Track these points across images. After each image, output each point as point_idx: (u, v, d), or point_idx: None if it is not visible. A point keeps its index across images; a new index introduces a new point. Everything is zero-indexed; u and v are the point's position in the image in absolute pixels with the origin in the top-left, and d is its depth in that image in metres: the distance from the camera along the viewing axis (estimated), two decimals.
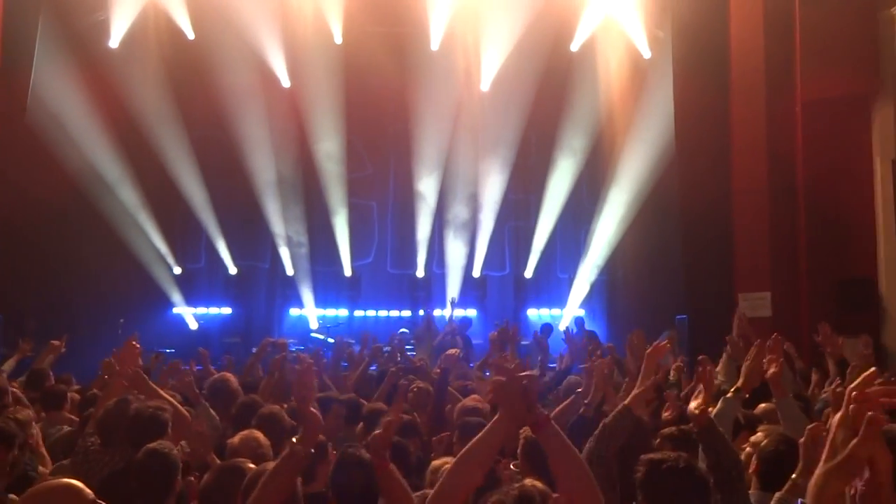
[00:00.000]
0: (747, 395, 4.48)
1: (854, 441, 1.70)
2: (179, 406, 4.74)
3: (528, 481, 3.32)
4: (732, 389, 4.31)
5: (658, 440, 4.07)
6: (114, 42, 14.18)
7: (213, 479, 3.36)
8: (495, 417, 2.58)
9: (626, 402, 3.68)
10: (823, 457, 1.77)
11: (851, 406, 1.75)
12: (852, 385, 1.79)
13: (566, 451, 2.59)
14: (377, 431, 3.34)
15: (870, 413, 1.71)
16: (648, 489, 2.78)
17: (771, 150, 12.10)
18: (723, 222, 12.45)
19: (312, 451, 2.91)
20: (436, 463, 3.77)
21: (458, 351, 8.04)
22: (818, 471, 1.77)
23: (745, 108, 12.28)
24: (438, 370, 6.73)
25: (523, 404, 2.50)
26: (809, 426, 3.25)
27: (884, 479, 1.70)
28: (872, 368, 1.83)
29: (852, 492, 1.76)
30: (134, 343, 4.92)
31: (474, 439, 2.56)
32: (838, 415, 1.78)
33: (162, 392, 4.86)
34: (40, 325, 13.39)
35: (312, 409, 2.86)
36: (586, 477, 2.58)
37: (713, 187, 12.53)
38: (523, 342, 12.78)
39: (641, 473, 2.84)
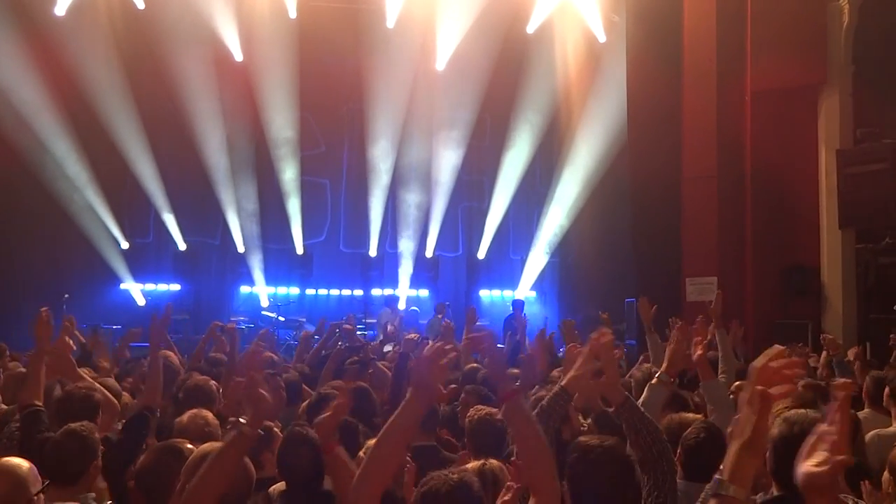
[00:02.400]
0: (673, 380, 4.42)
1: (754, 417, 1.77)
2: (107, 392, 4.69)
3: (470, 466, 3.34)
4: (657, 375, 4.20)
5: (588, 424, 4.04)
6: (60, 10, 13.74)
7: (151, 459, 3.32)
8: (407, 398, 2.56)
9: (562, 383, 3.55)
10: (735, 433, 1.81)
11: (754, 383, 1.80)
12: (755, 362, 1.84)
13: (529, 428, 2.63)
14: (325, 414, 3.31)
15: (759, 388, 1.78)
16: (571, 473, 2.76)
17: (721, 137, 12.28)
18: (672, 208, 12.62)
19: (260, 432, 2.89)
20: (369, 442, 3.76)
21: (417, 335, 8.10)
22: (730, 448, 1.81)
23: (696, 96, 12.43)
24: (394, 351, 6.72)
25: (433, 380, 2.51)
26: (735, 416, 3.25)
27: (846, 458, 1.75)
28: (778, 347, 1.88)
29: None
30: (46, 317, 4.77)
31: (390, 419, 2.57)
32: (744, 392, 1.83)
33: (87, 377, 4.83)
34: None
35: (261, 390, 2.81)
36: (546, 456, 2.61)
37: (664, 173, 12.68)
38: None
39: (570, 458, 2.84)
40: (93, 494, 3.49)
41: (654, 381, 4.16)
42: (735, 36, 12.24)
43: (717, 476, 1.82)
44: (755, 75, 12.16)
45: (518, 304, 14.15)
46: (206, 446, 3.06)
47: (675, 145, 12.64)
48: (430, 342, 2.73)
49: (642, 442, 3.18)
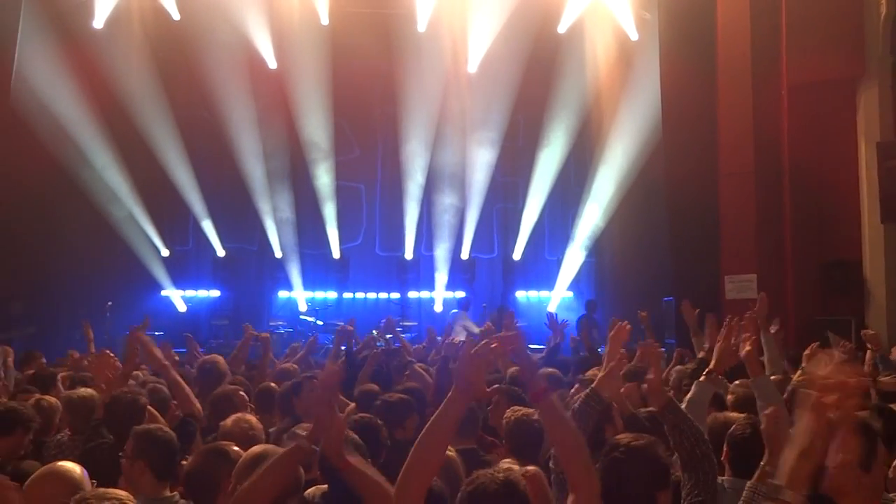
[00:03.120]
0: (721, 376, 4.40)
1: (812, 425, 1.82)
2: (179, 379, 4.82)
3: (517, 467, 3.35)
4: (705, 372, 4.22)
5: (624, 423, 4.04)
6: (98, 22, 14.02)
7: (198, 461, 3.39)
8: (450, 395, 2.59)
9: (593, 385, 3.59)
10: (794, 440, 1.86)
11: (815, 393, 1.85)
12: (815, 369, 1.90)
13: (564, 425, 2.65)
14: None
15: (816, 397, 1.83)
16: (601, 469, 2.79)
17: (757, 133, 12.16)
18: (709, 205, 12.52)
19: (315, 448, 2.94)
20: None
21: (459, 339, 8.20)
22: (787, 453, 1.87)
23: (731, 92, 12.32)
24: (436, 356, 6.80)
25: (479, 378, 2.54)
26: (766, 411, 3.23)
27: (852, 458, 1.79)
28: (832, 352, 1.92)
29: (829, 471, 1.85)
30: (109, 353, 4.95)
31: (432, 417, 2.59)
32: (806, 400, 1.88)
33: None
34: (26, 308, 13.40)
35: (332, 412, 2.83)
36: (582, 452, 2.63)
37: (700, 170, 12.59)
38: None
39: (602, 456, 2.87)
40: (176, 494, 3.58)
41: (701, 378, 4.17)
42: (770, 29, 12.12)
43: (772, 481, 1.86)
44: (791, 69, 12.02)
45: (590, 305, 14.10)
46: (258, 448, 3.13)
47: (710, 142, 12.54)
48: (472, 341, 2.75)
49: (686, 443, 3.19)
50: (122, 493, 2.31)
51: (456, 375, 2.65)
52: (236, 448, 3.39)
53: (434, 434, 2.57)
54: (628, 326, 3.99)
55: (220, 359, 6.23)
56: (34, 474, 3.00)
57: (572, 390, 5.42)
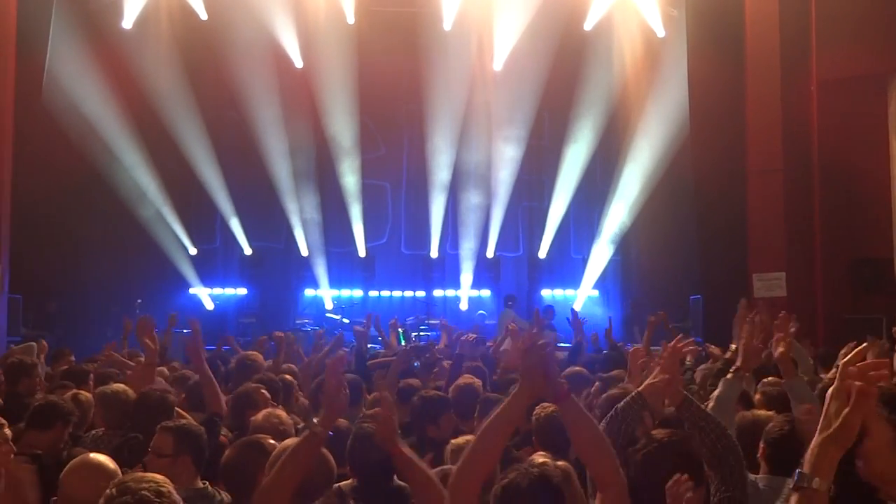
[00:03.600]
0: (747, 374, 4.38)
1: (846, 410, 1.80)
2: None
3: (550, 461, 3.35)
4: (732, 370, 4.18)
5: (657, 423, 4.02)
6: (127, 23, 14.18)
7: (234, 454, 3.44)
8: (514, 390, 2.61)
9: (639, 388, 3.58)
10: (819, 427, 1.86)
11: (844, 379, 1.84)
12: (845, 360, 1.87)
13: (587, 425, 2.65)
14: (378, 422, 3.25)
15: (860, 383, 1.81)
16: (631, 464, 2.79)
17: (786, 129, 12.04)
18: (737, 202, 12.42)
19: (330, 433, 3.00)
20: (457, 441, 3.79)
21: (474, 336, 8.20)
22: (815, 440, 1.86)
23: (760, 88, 12.21)
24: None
25: (543, 375, 2.55)
26: (804, 407, 3.21)
27: (881, 442, 1.78)
28: (864, 344, 1.91)
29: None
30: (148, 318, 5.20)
31: (494, 413, 2.60)
32: (832, 388, 1.87)
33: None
34: (61, 307, 13.60)
35: (342, 396, 2.91)
36: (608, 451, 2.64)
37: (728, 167, 12.50)
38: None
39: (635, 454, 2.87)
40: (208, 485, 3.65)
41: (728, 375, 4.15)
42: (799, 24, 11.99)
43: (798, 469, 1.86)
44: (821, 64, 11.89)
45: (548, 310, 13.72)
46: (289, 441, 3.16)
47: (739, 138, 12.43)
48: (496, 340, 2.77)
49: (707, 439, 3.17)
50: (159, 477, 2.35)
51: (522, 369, 2.66)
52: (272, 441, 3.44)
53: (495, 430, 2.59)
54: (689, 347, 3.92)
55: (259, 356, 6.39)
56: (69, 464, 3.05)
57: (592, 389, 5.42)
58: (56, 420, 4.39)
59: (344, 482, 3.71)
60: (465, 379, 5.47)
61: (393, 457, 3.17)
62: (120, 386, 5.02)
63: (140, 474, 2.43)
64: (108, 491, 2.28)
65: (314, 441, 2.91)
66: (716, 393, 4.04)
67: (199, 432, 3.75)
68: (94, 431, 4.87)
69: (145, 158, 14.66)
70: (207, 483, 3.61)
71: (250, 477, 3.18)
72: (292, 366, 7.19)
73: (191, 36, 14.71)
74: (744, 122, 12.43)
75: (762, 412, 4.12)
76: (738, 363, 4.23)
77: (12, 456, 2.55)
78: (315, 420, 2.93)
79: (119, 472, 3.03)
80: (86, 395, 5.26)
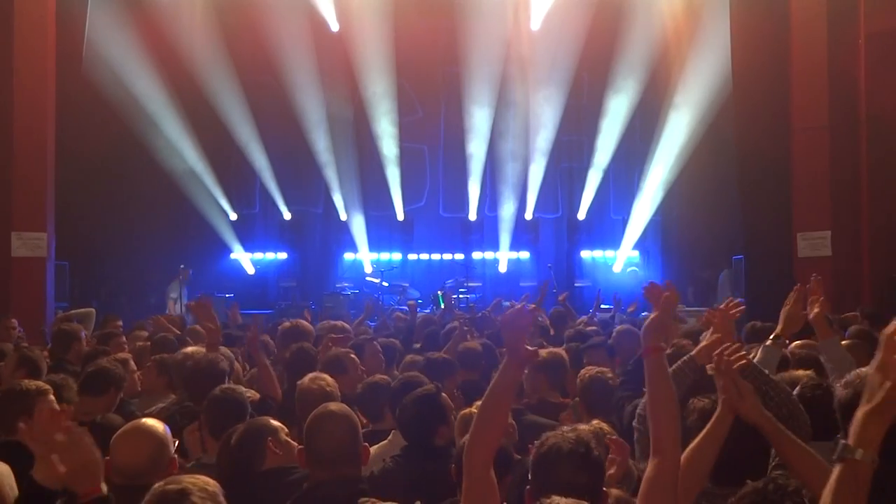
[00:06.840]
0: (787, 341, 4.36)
1: (888, 383, 1.81)
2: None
3: (584, 425, 3.37)
4: (772, 336, 4.16)
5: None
6: None
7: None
8: (504, 360, 2.67)
9: (692, 353, 3.60)
10: (864, 399, 1.87)
11: (887, 352, 1.84)
12: (887, 330, 1.87)
13: (666, 388, 2.71)
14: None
15: (884, 353, 1.83)
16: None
17: (832, 84, 11.72)
18: (781, 160, 12.17)
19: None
20: (465, 412, 3.84)
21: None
22: (858, 412, 1.87)
23: (805, 42, 11.87)
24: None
25: (524, 343, 2.61)
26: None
27: None
28: None
29: None
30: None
31: (490, 385, 2.68)
32: (875, 359, 1.86)
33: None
34: (104, 272, 13.91)
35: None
36: (675, 419, 2.68)
37: (772, 124, 12.23)
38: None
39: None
40: None
41: (768, 342, 4.14)
42: None
43: (842, 440, 1.87)
44: (869, 15, 11.52)
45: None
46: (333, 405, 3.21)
47: (783, 95, 12.14)
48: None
49: (771, 405, 3.14)
50: (206, 479, 2.37)
51: (505, 342, 2.74)
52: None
53: (493, 399, 2.65)
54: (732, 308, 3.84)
55: (307, 323, 6.65)
56: (120, 429, 3.10)
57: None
58: (109, 386, 4.51)
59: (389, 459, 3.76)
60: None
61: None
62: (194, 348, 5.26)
63: (188, 476, 2.41)
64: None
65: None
66: (755, 359, 4.01)
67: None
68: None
69: (184, 125, 14.77)
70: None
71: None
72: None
73: (227, 1, 14.71)
74: (788, 77, 12.12)
75: (800, 372, 4.09)
76: (779, 329, 4.22)
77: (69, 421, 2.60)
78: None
79: (168, 438, 3.07)
80: (128, 358, 5.38)
